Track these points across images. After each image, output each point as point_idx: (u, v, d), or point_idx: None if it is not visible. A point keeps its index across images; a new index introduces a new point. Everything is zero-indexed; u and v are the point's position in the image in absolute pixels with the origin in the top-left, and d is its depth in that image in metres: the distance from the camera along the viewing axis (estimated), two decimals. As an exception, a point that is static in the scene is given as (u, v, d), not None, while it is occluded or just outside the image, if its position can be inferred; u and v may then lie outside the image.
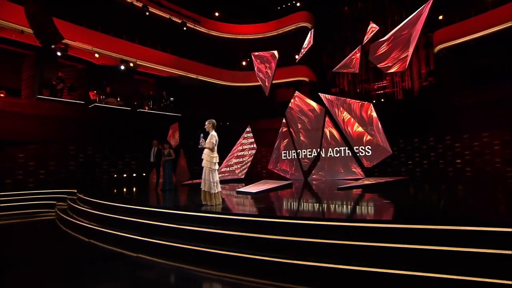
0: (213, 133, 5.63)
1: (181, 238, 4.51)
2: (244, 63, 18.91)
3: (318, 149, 11.60)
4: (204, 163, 5.54)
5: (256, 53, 12.02)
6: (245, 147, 12.55)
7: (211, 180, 5.50)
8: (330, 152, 11.31)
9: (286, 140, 12.52)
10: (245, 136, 12.55)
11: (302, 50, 11.03)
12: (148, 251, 4.57)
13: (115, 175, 13.33)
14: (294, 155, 12.21)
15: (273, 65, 11.64)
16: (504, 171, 9.09)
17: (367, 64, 15.48)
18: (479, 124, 9.72)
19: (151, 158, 9.64)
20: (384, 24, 14.83)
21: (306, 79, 17.37)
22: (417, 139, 11.01)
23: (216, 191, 5.51)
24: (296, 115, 12.16)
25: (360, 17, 16.45)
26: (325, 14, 17.70)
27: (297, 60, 11.25)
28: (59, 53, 13.17)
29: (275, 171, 12.56)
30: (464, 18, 12.04)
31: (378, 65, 9.52)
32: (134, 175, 13.86)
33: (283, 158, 12.50)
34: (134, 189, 10.49)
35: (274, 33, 18.40)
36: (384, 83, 14.97)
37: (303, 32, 17.43)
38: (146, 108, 15.62)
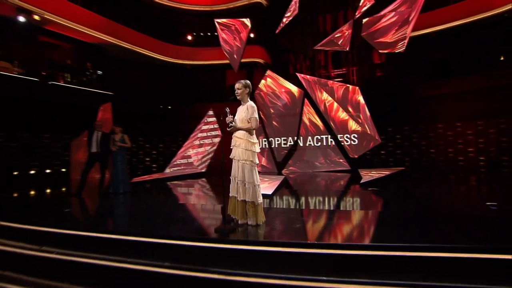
0: (251, 103, 3.62)
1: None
2: (189, 37, 16.20)
3: (295, 138, 10.27)
4: (238, 154, 3.52)
5: (220, 20, 9.93)
6: (206, 134, 10.39)
7: (255, 183, 3.47)
8: (310, 141, 10.11)
9: (254, 126, 10.77)
10: (207, 120, 10.40)
11: (284, 19, 9.42)
12: None
13: (15, 172, 9.43)
14: (265, 144, 10.61)
15: (244, 35, 9.75)
16: (476, 160, 9.32)
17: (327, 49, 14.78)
18: (452, 114, 9.82)
19: (92, 147, 6.71)
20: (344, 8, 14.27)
21: (261, 61, 15.84)
22: (391, 128, 10.65)
23: (261, 201, 3.54)
24: (268, 98, 10.54)
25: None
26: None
27: (277, 31, 9.57)
28: None
29: (241, 162, 10.72)
30: (426, 10, 12.26)
31: (373, 43, 8.63)
32: (48, 171, 10.15)
33: (251, 147, 10.73)
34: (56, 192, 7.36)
35: (224, 7, 16.19)
36: (344, 70, 14.57)
37: (257, 9, 15.80)
38: (62, 81, 11.76)
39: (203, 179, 9.81)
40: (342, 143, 9.65)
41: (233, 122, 3.52)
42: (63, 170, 10.16)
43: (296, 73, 10.77)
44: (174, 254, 2.99)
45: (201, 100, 14.71)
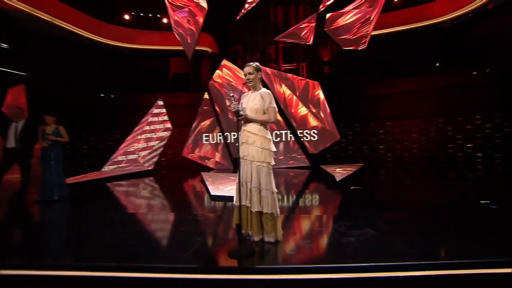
0: (266, 91, 2.96)
1: None
2: (127, 17, 14.22)
3: (253, 133, 9.71)
4: (252, 154, 2.83)
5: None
6: (154, 127, 9.22)
7: (273, 189, 2.83)
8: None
9: (208, 120, 9.96)
10: (155, 112, 9.23)
11: (246, 5, 8.73)
12: None
13: None
14: (220, 139, 9.85)
15: (200, 19, 8.80)
16: (419, 156, 10.07)
17: (277, 43, 14.54)
18: (399, 113, 10.44)
19: (9, 141, 5.13)
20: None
21: (209, 50, 14.79)
22: (343, 124, 10.89)
23: (279, 212, 2.90)
24: (224, 89, 9.78)
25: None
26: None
27: (238, 17, 8.81)
28: None
29: (192, 158, 9.83)
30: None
31: (336, 38, 8.59)
32: None
33: (204, 142, 9.89)
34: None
35: (167, -13, 14.65)
36: (294, 65, 14.49)
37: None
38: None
39: (151, 178, 8.65)
40: (302, 139, 9.46)
41: (241, 110, 2.80)
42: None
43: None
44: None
45: (141, 89, 13.14)
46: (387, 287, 2.25)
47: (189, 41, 8.87)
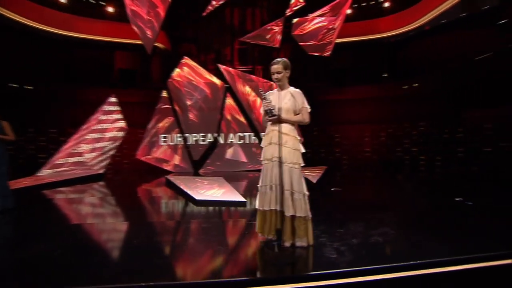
0: (297, 90, 2.84)
1: None
2: (63, 0, 12.43)
3: (215, 134, 9.34)
4: (284, 155, 2.67)
5: (129, -13, 8.08)
6: (105, 126, 8.27)
7: (304, 192, 2.71)
8: (231, 138, 9.37)
9: (166, 120, 9.28)
10: (107, 109, 8.30)
11: (214, 2, 8.36)
12: None
13: None
14: (179, 140, 9.24)
15: (162, 11, 8.18)
16: (371, 158, 10.82)
17: (233, 44, 14.32)
18: (353, 118, 11.11)
19: None
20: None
21: (161, 46, 13.81)
22: (300, 128, 11.18)
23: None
24: (184, 88, 9.22)
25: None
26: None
27: (204, 13, 8.33)
28: None
29: (147, 161, 9.03)
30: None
31: (301, 44, 8.77)
32: None
33: (161, 143, 9.17)
34: None
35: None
36: (249, 68, 14.40)
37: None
38: None
39: (101, 182, 7.67)
40: (266, 142, 9.38)
41: (274, 110, 2.58)
42: None
43: (218, 65, 9.89)
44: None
45: (83, 84, 11.68)
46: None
47: (149, 34, 8.17)
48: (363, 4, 12.31)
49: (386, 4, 12.17)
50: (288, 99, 2.74)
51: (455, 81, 9.31)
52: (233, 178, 7.60)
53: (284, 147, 2.67)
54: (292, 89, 2.82)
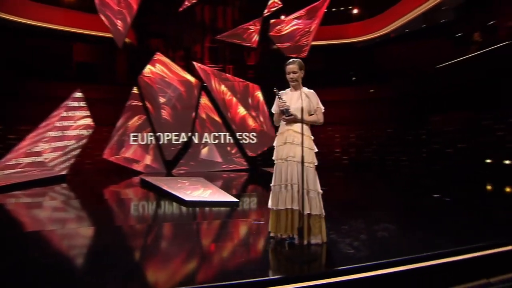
0: (310, 90, 2.90)
1: None
2: (15, -17, 11.18)
3: (190, 133, 9.02)
4: (300, 154, 2.66)
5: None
6: (69, 123, 7.64)
7: (319, 190, 2.78)
8: (206, 138, 9.11)
9: (137, 118, 8.79)
10: (71, 105, 7.69)
11: (186, 3, 8.13)
12: None
13: None
14: (151, 140, 8.79)
15: (134, 3, 7.81)
16: (340, 158, 11.19)
17: (203, 41, 13.99)
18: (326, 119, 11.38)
19: None
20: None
21: (127, 40, 13.02)
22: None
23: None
24: (157, 85, 8.82)
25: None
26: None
27: (180, 9, 8.01)
28: None
29: (115, 161, 8.47)
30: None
31: (278, 45, 8.85)
32: None
33: (131, 143, 8.64)
34: None
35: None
36: (220, 66, 14.12)
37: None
38: None
39: (64, 184, 7.03)
40: (241, 142, 9.26)
41: (290, 109, 2.69)
42: None
43: (193, 62, 9.59)
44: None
45: (32, 76, 10.50)
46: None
47: (120, 26, 7.71)
48: (333, 10, 12.75)
49: (355, 11, 12.74)
50: (303, 99, 2.74)
51: (418, 88, 9.99)
52: (208, 178, 7.38)
53: (299, 146, 2.68)
54: (305, 89, 2.85)
